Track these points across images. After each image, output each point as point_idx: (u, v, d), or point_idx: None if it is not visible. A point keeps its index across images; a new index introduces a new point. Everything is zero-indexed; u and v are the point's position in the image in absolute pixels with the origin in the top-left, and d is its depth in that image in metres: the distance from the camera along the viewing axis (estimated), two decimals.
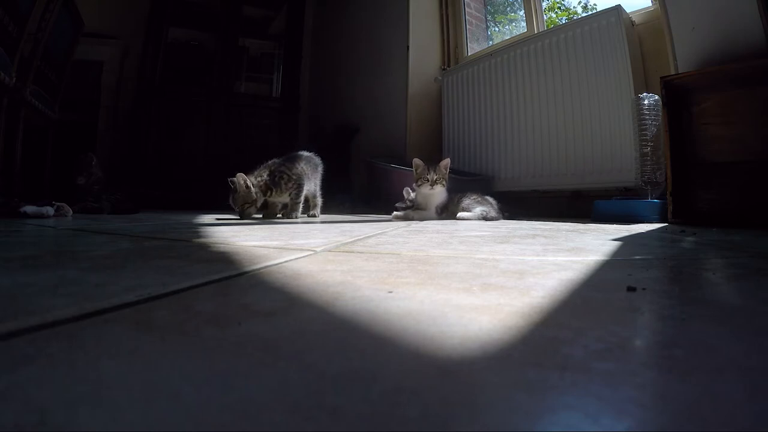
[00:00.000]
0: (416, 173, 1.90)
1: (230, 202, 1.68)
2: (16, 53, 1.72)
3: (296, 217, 1.74)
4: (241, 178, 1.65)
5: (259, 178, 1.72)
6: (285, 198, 1.77)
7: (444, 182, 1.89)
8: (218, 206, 1.84)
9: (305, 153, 1.99)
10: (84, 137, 3.10)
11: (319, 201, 2.02)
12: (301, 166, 1.84)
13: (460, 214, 1.79)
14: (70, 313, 0.33)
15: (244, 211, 1.67)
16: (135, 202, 2.14)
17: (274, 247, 0.78)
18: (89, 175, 2.11)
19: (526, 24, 2.78)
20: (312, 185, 1.95)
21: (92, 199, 1.98)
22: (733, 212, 1.54)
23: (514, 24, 3.37)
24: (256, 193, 1.69)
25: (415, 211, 1.89)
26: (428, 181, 1.86)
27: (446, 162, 1.91)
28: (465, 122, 2.84)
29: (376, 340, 0.30)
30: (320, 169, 2.04)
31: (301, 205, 1.79)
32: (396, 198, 2.12)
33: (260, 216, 1.80)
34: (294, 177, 1.75)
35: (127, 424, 0.18)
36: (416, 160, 1.91)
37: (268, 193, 1.73)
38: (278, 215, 1.83)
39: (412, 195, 2.02)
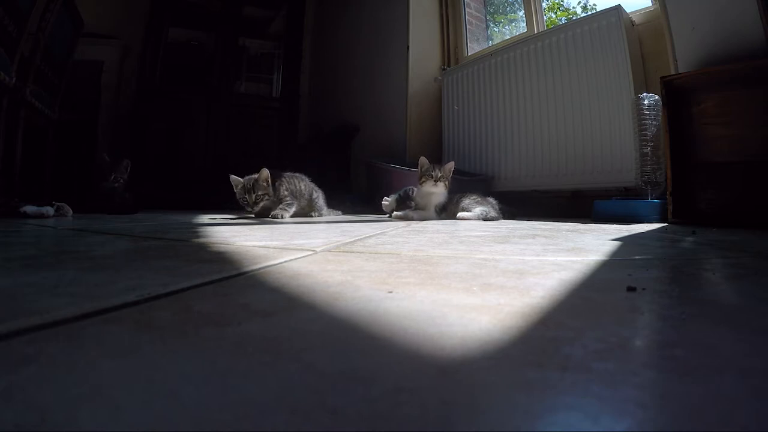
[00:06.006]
0: (421, 171, 1.90)
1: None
2: (16, 53, 1.72)
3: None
4: (232, 180, 1.82)
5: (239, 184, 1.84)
6: (269, 203, 1.84)
7: (447, 183, 1.90)
8: (218, 206, 1.84)
9: (288, 174, 2.00)
10: (84, 137, 3.09)
11: (317, 213, 2.03)
12: (287, 187, 1.91)
13: (460, 214, 1.79)
14: (70, 313, 0.33)
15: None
16: (135, 201, 2.14)
17: (273, 247, 0.78)
18: (119, 180, 2.17)
19: (526, 24, 2.78)
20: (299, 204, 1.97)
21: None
22: (733, 212, 1.54)
23: (514, 24, 3.37)
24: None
25: (414, 211, 1.89)
26: (432, 177, 1.87)
27: (450, 165, 1.94)
28: (465, 122, 2.84)
29: (376, 340, 0.30)
30: (306, 182, 2.04)
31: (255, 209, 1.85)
32: None
33: (252, 216, 1.81)
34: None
35: (127, 424, 0.18)
36: (422, 158, 1.92)
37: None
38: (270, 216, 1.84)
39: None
